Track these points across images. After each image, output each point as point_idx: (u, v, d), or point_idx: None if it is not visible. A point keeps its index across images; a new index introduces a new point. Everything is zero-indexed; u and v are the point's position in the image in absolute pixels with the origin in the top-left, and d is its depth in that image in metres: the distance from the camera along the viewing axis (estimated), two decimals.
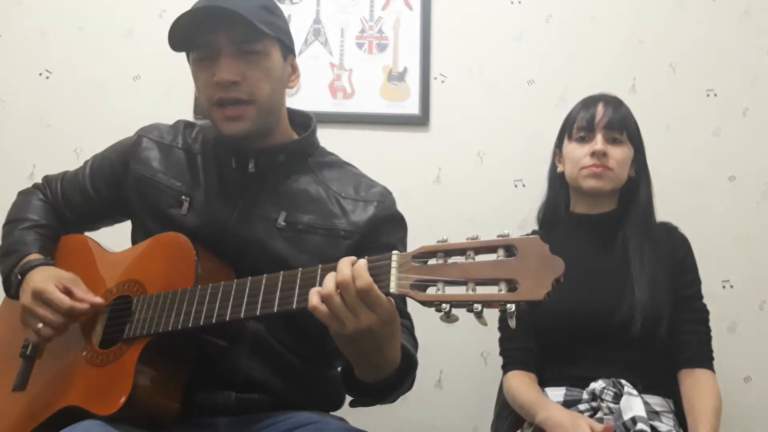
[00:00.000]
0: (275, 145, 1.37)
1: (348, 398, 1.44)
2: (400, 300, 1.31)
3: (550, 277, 0.91)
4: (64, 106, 2.17)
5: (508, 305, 0.91)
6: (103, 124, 2.11)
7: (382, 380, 1.11)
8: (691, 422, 1.53)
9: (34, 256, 1.37)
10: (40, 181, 1.57)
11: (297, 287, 1.09)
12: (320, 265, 1.08)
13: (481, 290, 0.94)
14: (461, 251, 0.97)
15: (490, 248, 0.96)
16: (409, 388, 1.23)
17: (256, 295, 1.13)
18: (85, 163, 1.53)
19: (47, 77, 2.19)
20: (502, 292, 0.93)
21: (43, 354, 1.32)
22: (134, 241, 1.45)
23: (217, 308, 1.15)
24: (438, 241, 1.00)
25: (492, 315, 1.82)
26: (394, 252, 1.01)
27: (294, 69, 1.40)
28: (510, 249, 0.94)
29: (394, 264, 1.00)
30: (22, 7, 2.21)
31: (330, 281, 1.02)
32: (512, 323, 0.92)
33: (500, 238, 0.96)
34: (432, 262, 0.99)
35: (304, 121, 1.45)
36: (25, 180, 2.09)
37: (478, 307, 0.93)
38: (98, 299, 1.27)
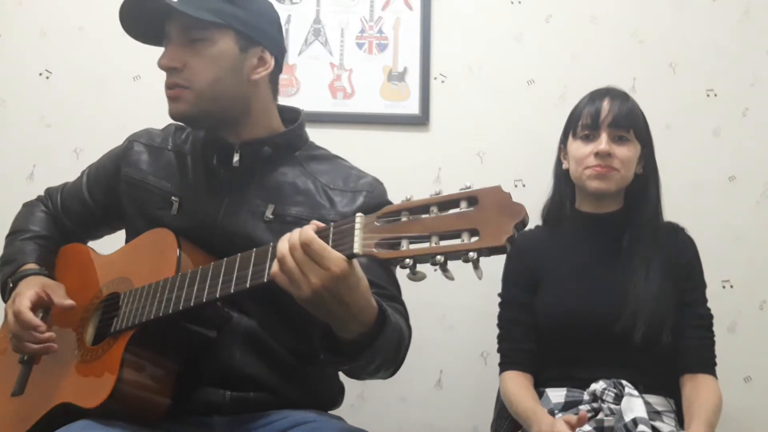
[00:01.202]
0: (259, 138, 1.37)
1: (347, 396, 1.45)
2: (394, 286, 1.32)
3: (510, 222, 0.90)
4: (64, 106, 2.17)
5: (470, 253, 0.90)
6: (103, 124, 2.11)
7: (359, 336, 1.09)
8: (687, 418, 1.52)
9: (30, 266, 1.41)
10: (42, 186, 1.62)
11: (268, 261, 1.09)
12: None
13: (444, 243, 0.93)
14: (425, 208, 0.96)
15: (452, 202, 0.95)
16: (391, 360, 1.20)
17: (230, 273, 1.13)
18: (83, 172, 1.56)
19: (47, 77, 2.18)
20: (465, 241, 0.91)
21: (40, 359, 1.34)
22: None
23: (195, 291, 1.16)
24: (401, 201, 0.99)
25: (491, 313, 1.83)
26: (358, 214, 1.01)
27: (263, 61, 1.36)
28: (472, 200, 0.93)
29: (357, 226, 1.00)
30: (22, 7, 2.21)
31: (283, 245, 1.03)
32: (478, 274, 0.91)
33: (461, 191, 0.95)
34: (396, 221, 0.98)
35: (292, 117, 1.45)
36: (25, 180, 2.09)
37: (440, 258, 0.92)
38: (69, 302, 1.31)
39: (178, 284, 1.19)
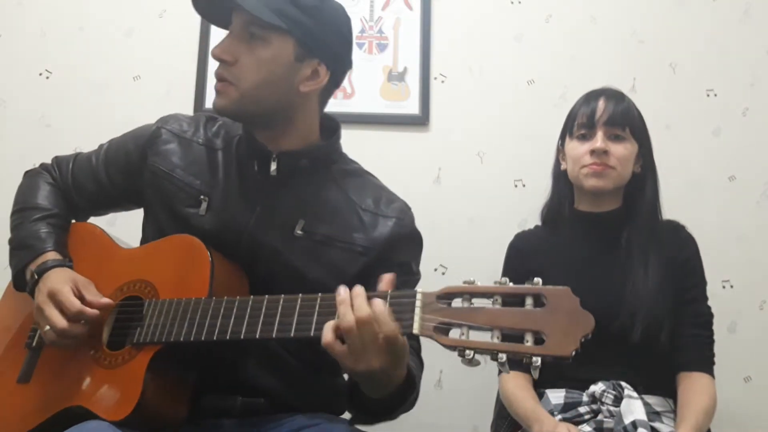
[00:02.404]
0: (299, 149, 1.33)
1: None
2: None
3: (579, 333, 0.91)
4: (64, 106, 2.17)
5: (534, 358, 0.90)
6: (103, 124, 2.10)
7: (385, 397, 1.11)
8: (678, 419, 1.51)
9: (51, 255, 1.33)
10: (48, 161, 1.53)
11: (315, 314, 1.07)
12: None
13: (507, 341, 0.93)
14: (488, 294, 0.95)
15: (517, 295, 0.94)
16: (411, 407, 1.22)
17: (272, 316, 1.11)
18: (100, 147, 1.49)
19: (47, 77, 2.19)
20: (529, 343, 0.91)
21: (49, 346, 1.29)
22: (145, 232, 1.42)
23: (232, 324, 1.13)
24: (464, 282, 0.98)
25: None
26: (419, 291, 1.00)
27: (316, 75, 1.30)
28: (539, 298, 0.93)
29: (418, 304, 0.99)
30: (22, 7, 2.21)
31: (349, 318, 1.00)
32: (535, 374, 0.91)
33: (529, 286, 0.94)
34: (456, 303, 0.97)
35: (330, 126, 1.41)
36: None
37: (503, 357, 0.91)
38: (107, 300, 1.24)
39: (212, 311, 1.15)
